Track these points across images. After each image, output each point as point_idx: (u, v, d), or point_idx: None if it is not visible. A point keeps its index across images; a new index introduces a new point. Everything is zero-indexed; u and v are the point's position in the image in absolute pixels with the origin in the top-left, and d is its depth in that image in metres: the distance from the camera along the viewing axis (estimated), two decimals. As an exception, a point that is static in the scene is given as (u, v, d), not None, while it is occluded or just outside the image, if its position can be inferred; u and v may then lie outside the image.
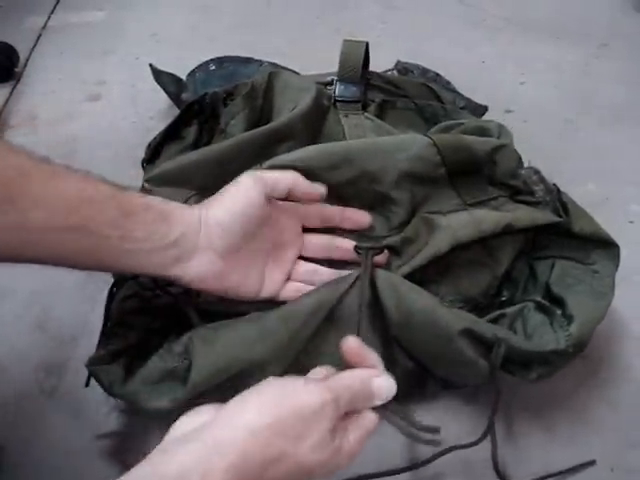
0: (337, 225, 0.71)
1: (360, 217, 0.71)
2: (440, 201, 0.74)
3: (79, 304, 0.83)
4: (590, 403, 0.72)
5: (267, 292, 0.65)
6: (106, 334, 0.67)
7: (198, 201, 0.72)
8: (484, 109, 1.03)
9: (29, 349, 0.78)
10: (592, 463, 0.66)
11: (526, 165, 0.79)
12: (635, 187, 1.00)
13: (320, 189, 0.66)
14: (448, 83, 1.08)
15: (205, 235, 0.58)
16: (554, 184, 0.76)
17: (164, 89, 1.13)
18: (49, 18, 1.52)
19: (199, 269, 0.58)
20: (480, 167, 0.74)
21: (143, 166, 0.89)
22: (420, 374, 0.69)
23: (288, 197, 0.64)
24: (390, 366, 0.67)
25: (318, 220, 0.70)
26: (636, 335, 0.79)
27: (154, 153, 0.87)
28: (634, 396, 0.74)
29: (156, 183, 0.75)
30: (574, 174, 1.00)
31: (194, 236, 0.58)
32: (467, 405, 0.72)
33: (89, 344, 0.76)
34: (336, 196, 0.73)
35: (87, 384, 0.66)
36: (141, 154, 0.89)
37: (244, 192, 0.61)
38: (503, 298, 0.74)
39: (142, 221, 0.56)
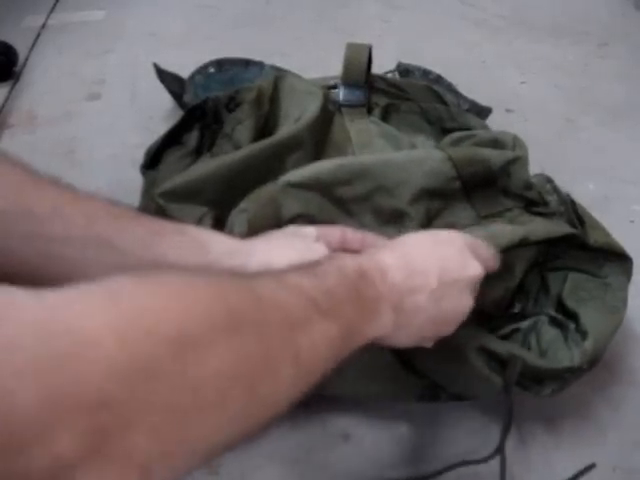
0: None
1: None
2: (455, 214, 0.74)
3: None
4: (593, 403, 0.72)
5: None
6: None
7: (212, 218, 0.72)
8: (488, 111, 1.02)
9: None
10: (592, 467, 0.66)
11: (538, 172, 0.78)
12: (635, 186, 1.00)
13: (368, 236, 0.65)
14: (450, 85, 1.08)
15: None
16: (567, 194, 0.76)
17: (167, 89, 1.12)
18: (48, 17, 1.52)
19: None
20: (495, 179, 0.74)
21: (142, 172, 0.88)
22: (433, 389, 0.69)
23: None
24: (403, 381, 0.67)
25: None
26: (638, 336, 0.79)
27: (154, 159, 0.87)
28: (636, 397, 0.73)
29: (168, 198, 0.74)
30: (574, 173, 1.00)
31: (242, 269, 0.55)
32: (479, 415, 0.71)
33: None
34: (349, 211, 0.73)
35: None
36: (140, 154, 0.88)
37: (310, 249, 0.59)
38: (515, 310, 0.73)
39: (175, 245, 0.54)
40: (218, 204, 0.73)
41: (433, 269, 0.52)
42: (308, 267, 0.44)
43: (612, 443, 0.69)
